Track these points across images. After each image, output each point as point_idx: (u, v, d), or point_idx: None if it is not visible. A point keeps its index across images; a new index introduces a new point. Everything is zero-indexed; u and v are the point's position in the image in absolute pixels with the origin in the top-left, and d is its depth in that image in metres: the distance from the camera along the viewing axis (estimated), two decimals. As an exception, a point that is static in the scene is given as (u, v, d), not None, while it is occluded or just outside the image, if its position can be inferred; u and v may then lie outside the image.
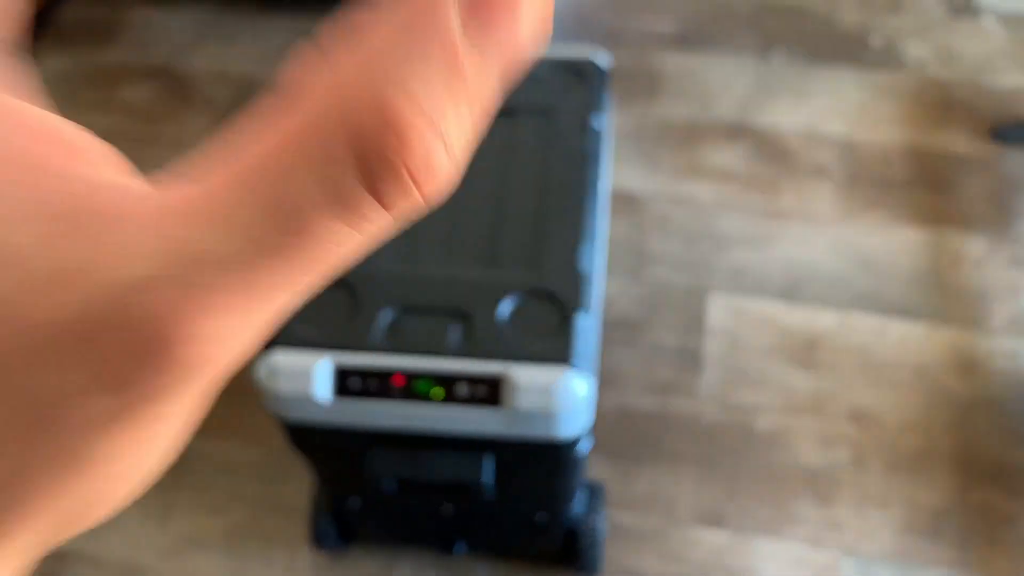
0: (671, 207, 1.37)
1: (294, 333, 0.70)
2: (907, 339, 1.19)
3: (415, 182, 0.13)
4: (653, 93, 1.54)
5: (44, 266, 0.12)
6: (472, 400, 0.68)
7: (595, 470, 1.08)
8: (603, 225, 0.82)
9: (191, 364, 0.13)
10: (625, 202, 1.38)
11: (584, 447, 0.75)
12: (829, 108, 1.49)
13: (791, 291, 1.25)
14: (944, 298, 1.23)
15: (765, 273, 1.27)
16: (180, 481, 1.10)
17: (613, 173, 1.42)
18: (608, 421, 1.13)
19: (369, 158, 0.12)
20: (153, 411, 0.13)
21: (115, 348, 0.12)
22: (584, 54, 0.91)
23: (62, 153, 0.13)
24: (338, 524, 0.97)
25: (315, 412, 0.70)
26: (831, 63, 1.56)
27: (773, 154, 1.43)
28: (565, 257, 0.74)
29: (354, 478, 0.82)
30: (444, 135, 0.13)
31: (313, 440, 0.75)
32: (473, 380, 0.68)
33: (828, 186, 1.37)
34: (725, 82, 1.55)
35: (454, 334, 0.69)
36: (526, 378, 0.67)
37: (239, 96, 1.60)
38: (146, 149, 1.52)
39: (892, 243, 1.30)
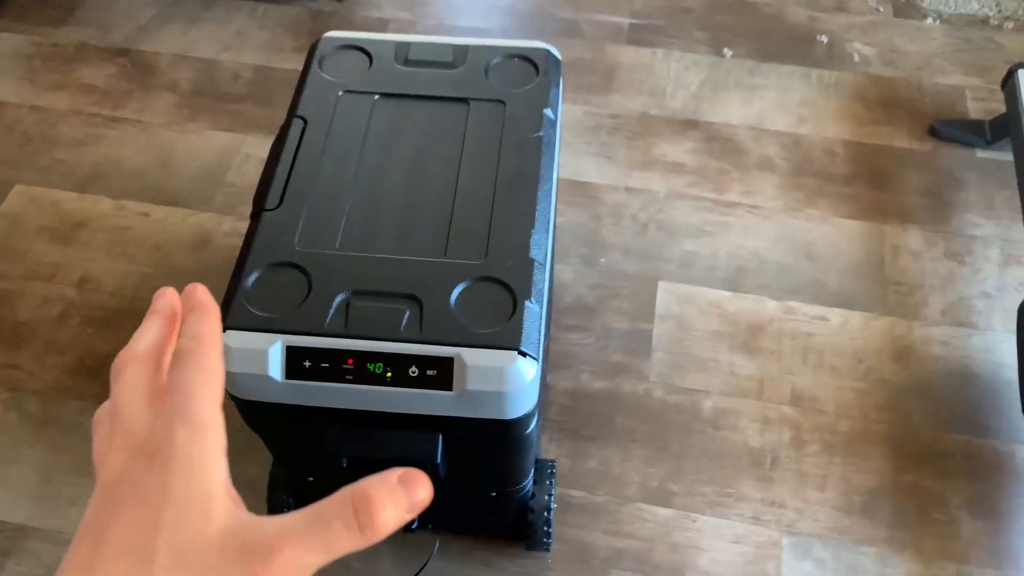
0: (625, 197, 1.37)
1: (248, 315, 0.69)
2: (846, 327, 1.21)
3: (376, 530, 0.29)
4: (609, 86, 1.54)
5: None
6: (423, 383, 0.68)
7: (548, 449, 1.09)
8: (553, 213, 0.82)
9: (283, 567, 0.27)
10: (581, 191, 1.38)
11: (531, 427, 0.75)
12: (776, 104, 1.51)
13: (736, 280, 1.26)
14: (883, 288, 1.26)
15: (712, 262, 1.29)
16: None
17: (570, 163, 1.42)
18: (562, 402, 1.14)
19: (359, 510, 0.28)
20: None
21: (257, 555, 0.27)
22: (539, 45, 0.91)
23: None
24: (295, 500, 0.96)
25: (267, 393, 0.69)
26: (779, 60, 1.58)
27: (723, 148, 1.44)
28: (516, 245, 0.74)
29: (308, 456, 0.82)
30: (386, 516, 0.29)
31: (267, 419, 0.75)
32: (424, 363, 0.67)
33: (774, 179, 1.39)
34: (678, 77, 1.55)
35: (406, 319, 0.69)
36: (476, 362, 0.67)
37: (199, 79, 1.56)
38: (108, 128, 1.48)
39: (834, 235, 1.32)
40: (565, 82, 1.55)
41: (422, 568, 0.95)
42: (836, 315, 1.22)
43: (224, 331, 0.68)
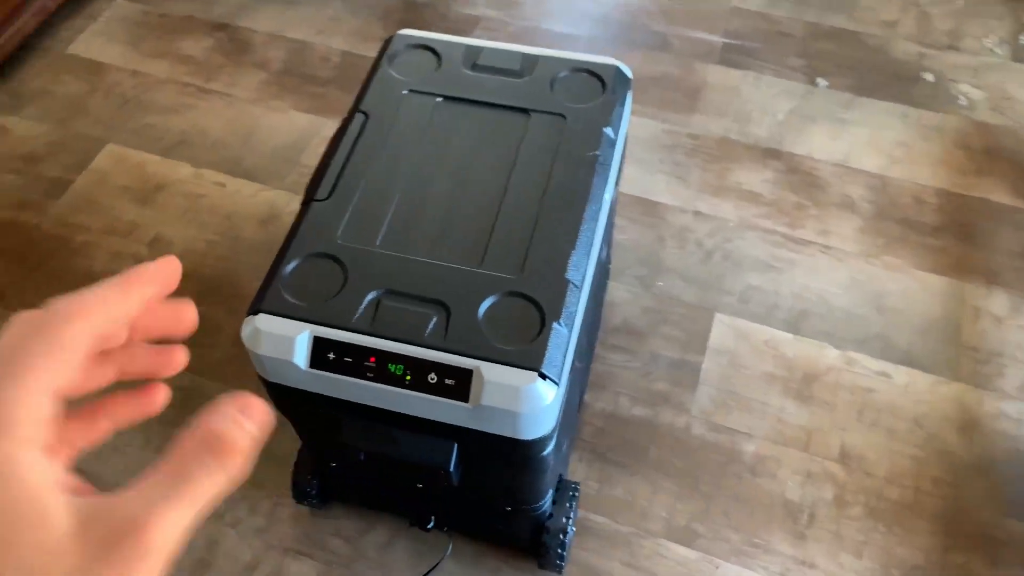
0: (693, 221, 1.34)
1: (282, 302, 0.70)
2: (911, 388, 1.15)
3: (235, 459, 0.28)
4: (692, 105, 1.51)
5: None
6: (440, 391, 0.68)
7: (576, 469, 1.08)
8: (600, 235, 0.81)
9: (157, 542, 0.25)
10: (648, 210, 1.36)
11: (547, 450, 0.74)
12: (868, 141, 1.44)
13: (798, 322, 1.22)
14: (957, 352, 1.19)
15: (775, 300, 1.24)
16: (183, 417, 1.12)
17: (641, 179, 1.40)
18: (597, 423, 1.12)
19: (215, 452, 0.28)
20: (144, 572, 0.25)
21: (124, 539, 0.25)
22: (609, 61, 0.90)
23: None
24: (319, 482, 0.98)
25: (292, 378, 0.71)
26: (877, 95, 1.51)
27: (803, 181, 1.39)
28: (554, 264, 0.73)
29: (330, 443, 0.83)
30: (240, 447, 0.28)
31: (291, 403, 0.76)
32: (443, 372, 0.67)
33: (854, 221, 1.33)
34: (766, 103, 1.51)
35: (432, 325, 0.69)
36: (494, 378, 0.66)
37: (290, 59, 1.61)
38: (198, 99, 1.54)
39: (911, 287, 1.26)
40: (646, 96, 1.53)
41: (432, 568, 0.95)
42: (901, 374, 1.17)
43: (257, 314, 0.70)
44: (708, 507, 1.05)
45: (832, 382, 1.16)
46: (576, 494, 0.95)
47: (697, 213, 1.36)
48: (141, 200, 1.39)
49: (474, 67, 0.89)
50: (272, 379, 0.72)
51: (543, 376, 0.67)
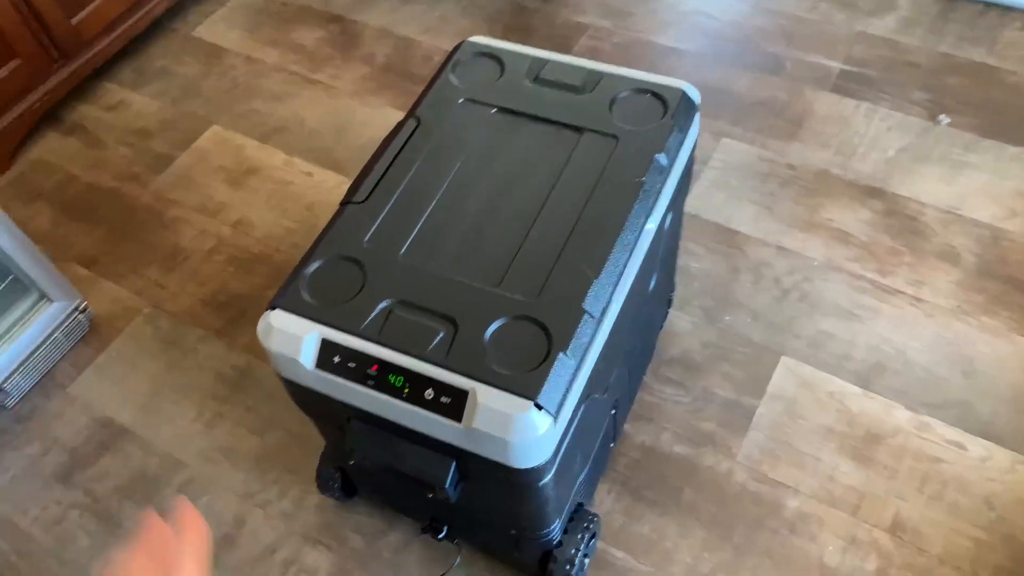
0: (774, 256, 1.29)
1: (297, 300, 0.73)
2: (986, 464, 1.06)
3: None
4: (795, 133, 1.44)
5: None
6: (436, 407, 0.68)
7: (603, 500, 1.06)
8: (637, 265, 0.79)
9: None
10: (727, 239, 1.31)
11: (544, 480, 0.73)
12: (985, 188, 1.33)
13: (870, 377, 1.14)
14: (1048, 429, 1.08)
15: (848, 351, 1.17)
16: (235, 396, 1.19)
17: (726, 207, 1.35)
18: (633, 455, 1.10)
19: None
20: None
21: None
22: (676, 84, 0.87)
23: None
24: (342, 476, 1.01)
25: (299, 376, 0.74)
26: (1005, 138, 1.39)
27: (904, 226, 1.30)
28: (572, 292, 0.72)
29: (339, 443, 0.86)
30: None
31: (303, 399, 0.79)
32: (440, 389, 0.68)
33: (953, 274, 1.24)
34: (876, 137, 1.42)
35: (438, 340, 0.70)
36: (488, 402, 0.66)
37: (393, 55, 1.66)
38: (303, 88, 1.62)
39: (1006, 353, 1.15)
40: (748, 121, 1.48)
41: (439, 579, 0.97)
42: (978, 447, 1.07)
43: (274, 309, 0.73)
44: (736, 560, 1.01)
45: (897, 445, 1.08)
46: (592, 526, 0.94)
47: (780, 248, 1.30)
48: (233, 182, 1.47)
49: (536, 79, 0.89)
50: (283, 375, 0.75)
51: (539, 407, 0.66)
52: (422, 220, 0.79)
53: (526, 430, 0.66)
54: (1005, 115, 1.43)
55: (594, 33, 1.67)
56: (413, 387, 0.69)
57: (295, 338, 0.72)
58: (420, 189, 0.81)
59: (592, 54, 1.62)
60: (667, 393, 1.15)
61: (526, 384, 0.67)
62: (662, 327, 1.21)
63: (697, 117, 0.87)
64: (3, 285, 1.14)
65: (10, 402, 1.18)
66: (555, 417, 0.67)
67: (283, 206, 1.43)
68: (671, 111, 0.84)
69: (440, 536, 0.94)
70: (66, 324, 1.22)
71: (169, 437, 1.16)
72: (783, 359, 1.18)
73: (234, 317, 1.28)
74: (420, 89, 1.58)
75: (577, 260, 0.74)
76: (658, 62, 1.59)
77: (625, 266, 0.77)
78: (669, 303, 1.21)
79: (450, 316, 0.71)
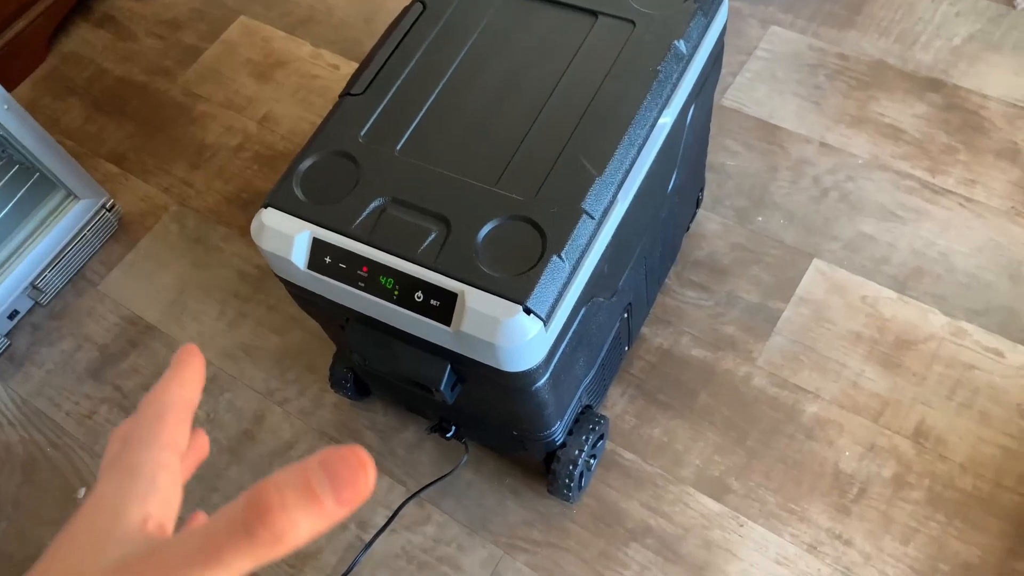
0: (816, 153, 1.22)
1: (290, 198, 0.73)
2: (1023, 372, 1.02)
3: (275, 538, 0.24)
4: (851, 20, 1.34)
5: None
6: (425, 311, 0.68)
7: (615, 402, 1.06)
8: (649, 161, 0.76)
9: None
10: (768, 135, 1.25)
11: (539, 384, 0.73)
12: (1057, 80, 1.23)
13: (908, 282, 1.10)
14: (1097, 340, 1.03)
15: (888, 253, 1.12)
16: (257, 296, 1.22)
17: (769, 100, 1.28)
18: (649, 359, 1.09)
19: (249, 523, 0.23)
20: None
21: None
22: (700, -34, 0.81)
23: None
24: (354, 375, 1.04)
25: (292, 276, 0.74)
26: (1087, 24, 1.27)
27: (963, 121, 1.22)
28: (572, 191, 0.70)
29: (339, 342, 0.87)
30: (288, 516, 0.23)
31: (301, 299, 0.80)
32: (429, 291, 0.68)
33: (1012, 173, 1.16)
34: (943, 23, 1.31)
35: (429, 240, 0.69)
36: (477, 305, 0.66)
37: None
38: None
39: (1061, 259, 1.09)
40: (800, 5, 1.38)
41: (444, 476, 0.99)
42: (1019, 353, 1.03)
43: (267, 207, 0.73)
44: (749, 464, 1.01)
45: (929, 352, 1.05)
46: (599, 427, 0.94)
47: (823, 144, 1.23)
48: (260, 75, 1.46)
49: (548, -37, 0.84)
50: (278, 274, 0.76)
51: (528, 311, 0.65)
52: (421, 113, 0.77)
53: (514, 334, 0.65)
54: (1091, -5, 1.30)
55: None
56: (403, 289, 0.69)
57: (287, 237, 0.72)
58: (422, 79, 0.79)
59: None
60: (689, 296, 1.13)
61: (516, 287, 0.66)
62: (689, 228, 1.17)
63: (726, 2, 0.81)
64: (30, 183, 1.17)
65: (44, 299, 1.23)
66: (546, 322, 0.66)
67: (309, 100, 1.41)
68: (695, -5, 0.79)
69: (448, 436, 0.97)
70: (94, 222, 1.25)
71: (194, 335, 1.20)
72: (815, 262, 1.14)
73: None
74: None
75: (580, 156, 0.71)
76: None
77: (633, 163, 0.74)
78: (698, 203, 1.17)
79: (443, 216, 0.70)
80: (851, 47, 1.32)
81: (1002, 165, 1.17)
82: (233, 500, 0.24)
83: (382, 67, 0.79)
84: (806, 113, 1.27)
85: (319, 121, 1.38)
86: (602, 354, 0.93)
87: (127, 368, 1.19)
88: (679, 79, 0.77)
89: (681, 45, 0.77)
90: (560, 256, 0.67)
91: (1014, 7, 1.32)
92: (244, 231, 1.28)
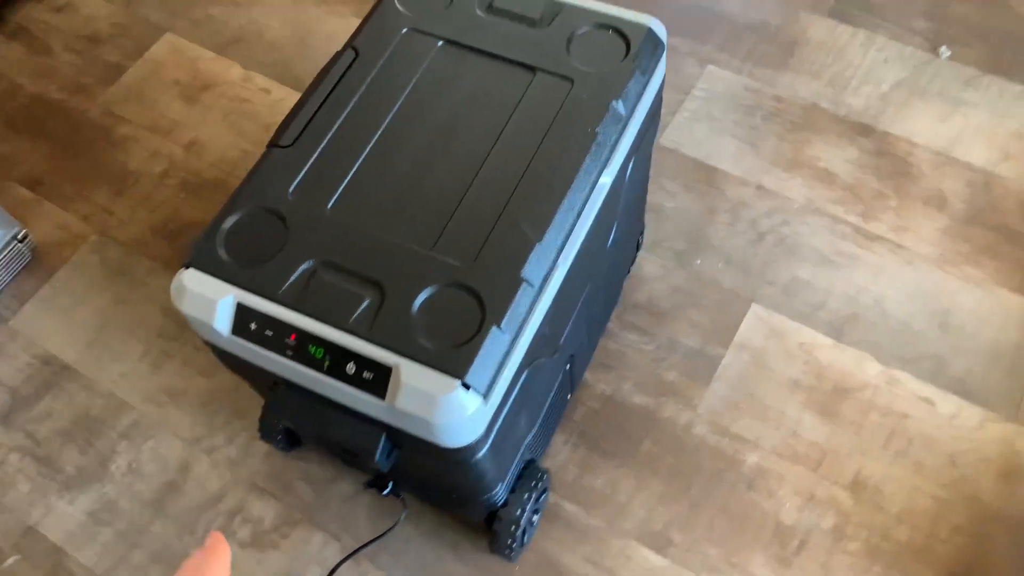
0: (753, 196, 1.21)
1: (213, 258, 0.67)
2: (954, 421, 1.02)
3: None
4: (785, 62, 1.34)
5: None
6: (358, 383, 0.63)
7: (559, 452, 1.02)
8: (588, 224, 0.72)
9: None
10: (706, 177, 1.23)
11: (478, 456, 0.68)
12: (982, 129, 1.24)
13: (844, 328, 1.09)
14: (1020, 389, 1.04)
15: (823, 299, 1.11)
16: (183, 334, 1.14)
17: (708, 141, 1.26)
18: (592, 405, 1.05)
19: None
20: None
21: None
22: (641, 20, 0.78)
23: None
24: (285, 428, 0.97)
25: (215, 340, 0.68)
26: (1008, 75, 1.29)
27: (892, 167, 1.22)
28: (512, 258, 0.65)
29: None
30: None
31: (227, 361, 0.73)
32: (362, 363, 0.62)
33: (939, 220, 1.17)
34: (871, 69, 1.32)
35: (362, 308, 0.63)
36: (413, 380, 0.61)
37: None
38: None
39: (987, 306, 1.10)
40: (737, 46, 1.37)
41: (384, 534, 0.94)
42: (948, 403, 1.03)
43: (188, 268, 0.67)
44: (691, 515, 0.98)
45: (865, 400, 1.04)
46: (541, 483, 0.90)
47: (760, 188, 1.22)
48: (187, 98, 1.37)
49: (489, 9, 0.80)
50: (200, 336, 0.69)
51: (466, 386, 0.60)
52: (354, 168, 0.71)
53: (453, 411, 0.61)
54: (1011, 49, 1.32)
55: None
56: (334, 359, 0.63)
57: (209, 301, 0.65)
58: (354, 132, 0.73)
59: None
60: (631, 340, 1.10)
61: (454, 361, 0.61)
62: (629, 271, 1.14)
63: (664, 57, 0.78)
64: (-70, 213, 1.07)
65: (-52, 334, 1.13)
66: (485, 396, 0.62)
67: (239, 126, 1.34)
68: (634, 51, 0.75)
69: (385, 492, 0.91)
70: (5, 253, 1.15)
71: (115, 376, 1.11)
72: (754, 306, 1.12)
73: (185, 247, 1.21)
74: (388, 0, 1.47)
75: (519, 221, 0.67)
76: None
77: (573, 226, 0.70)
78: (638, 245, 1.14)
79: (377, 281, 0.65)
80: (786, 89, 1.31)
81: (930, 212, 1.18)
82: None
83: (312, 117, 0.74)
84: (743, 155, 1.25)
85: (251, 148, 1.31)
86: (545, 409, 0.88)
87: (40, 413, 1.09)
88: (618, 139, 0.74)
89: (619, 106, 0.73)
90: (499, 327, 0.62)
91: (938, 56, 1.33)
92: (170, 263, 1.20)
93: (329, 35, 1.43)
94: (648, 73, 0.76)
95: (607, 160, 0.73)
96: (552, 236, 0.67)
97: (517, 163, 0.70)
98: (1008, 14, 1.37)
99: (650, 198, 1.20)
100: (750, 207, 1.20)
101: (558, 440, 1.03)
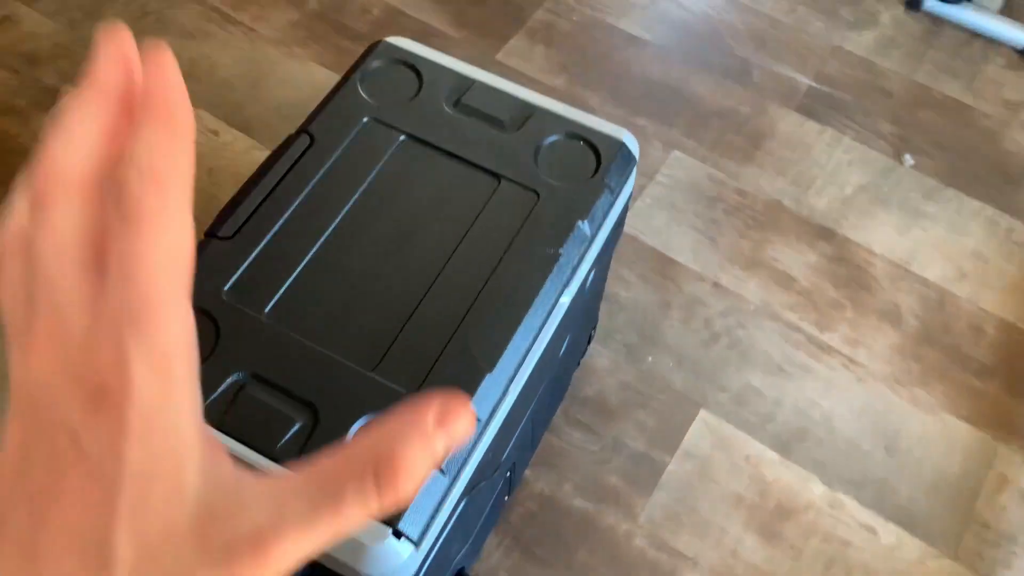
0: (709, 294, 1.21)
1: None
2: (895, 553, 1.02)
3: (398, 493, 0.23)
4: (751, 154, 1.35)
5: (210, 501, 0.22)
6: (279, 515, 0.59)
7: (489, 555, 0.99)
8: (543, 345, 0.70)
9: (277, 565, 0.22)
10: (662, 269, 1.23)
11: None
12: (939, 244, 1.27)
13: (791, 443, 1.09)
14: (964, 523, 1.05)
15: (773, 410, 1.11)
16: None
17: (667, 231, 1.26)
18: (530, 506, 1.02)
19: (380, 478, 0.23)
20: None
21: (245, 554, 0.22)
22: (613, 133, 0.76)
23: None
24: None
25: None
26: (967, 190, 1.33)
27: (850, 275, 1.23)
28: (458, 387, 0.62)
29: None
30: (414, 474, 0.23)
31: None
32: (286, 496, 0.58)
33: (892, 336, 1.18)
34: (836, 171, 1.34)
35: (292, 433, 0.60)
36: (340, 520, 0.57)
37: (329, 2, 1.49)
38: (221, 28, 1.45)
39: (933, 432, 1.11)
40: (704, 133, 1.38)
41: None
42: (890, 533, 1.03)
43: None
44: (622, 637, 0.95)
45: (808, 523, 1.03)
46: (468, 599, 0.87)
47: (716, 285, 1.22)
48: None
49: (457, 105, 0.77)
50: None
51: (398, 534, 0.57)
52: (298, 269, 0.67)
53: (383, 561, 0.57)
54: (971, 162, 1.36)
55: (553, 6, 1.53)
56: (255, 488, 0.59)
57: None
58: (301, 228, 0.70)
59: (545, 30, 1.48)
60: (575, 438, 1.08)
61: (388, 502, 0.57)
62: (579, 364, 1.12)
63: (634, 172, 0.77)
64: None
65: None
66: (418, 543, 0.58)
67: (180, 169, 1.28)
68: (604, 167, 0.74)
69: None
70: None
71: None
72: (703, 412, 1.11)
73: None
74: (350, 46, 1.44)
75: (471, 346, 0.64)
76: (617, 50, 1.47)
77: (527, 352, 0.67)
78: (590, 338, 1.12)
79: (311, 402, 0.61)
80: (749, 183, 1.32)
81: (884, 328, 1.19)
82: (344, 444, 0.24)
83: (257, 208, 0.70)
84: (702, 249, 1.25)
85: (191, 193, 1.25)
86: (480, 523, 0.85)
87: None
88: (581, 259, 0.72)
89: (585, 226, 0.71)
90: (440, 470, 0.59)
91: (902, 163, 1.36)
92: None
93: (284, 79, 1.39)
94: (616, 192, 0.74)
95: (568, 280, 0.71)
96: (505, 364, 0.64)
97: (473, 280, 0.67)
98: (972, 126, 1.41)
99: (607, 286, 1.19)
100: (706, 305, 1.20)
101: (491, 542, 1.00)
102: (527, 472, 1.05)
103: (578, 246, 0.71)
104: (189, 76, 1.38)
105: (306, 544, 0.22)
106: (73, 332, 0.22)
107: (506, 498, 0.99)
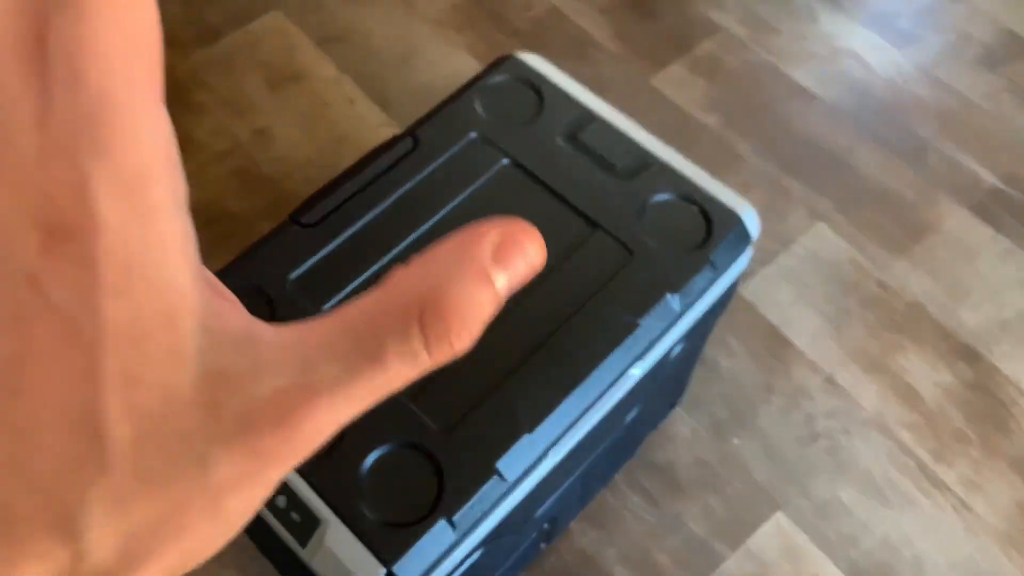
0: (819, 388, 1.13)
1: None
2: None
3: (452, 345, 0.20)
4: (904, 247, 1.25)
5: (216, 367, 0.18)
6: (283, 520, 0.59)
7: (509, 604, 0.96)
8: (592, 422, 0.66)
9: (306, 440, 0.19)
10: (774, 347, 1.15)
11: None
12: (1103, 400, 1.13)
13: (869, 574, 1.00)
14: None
15: (858, 534, 1.02)
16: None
17: (791, 306, 1.18)
18: (567, 559, 0.99)
19: (427, 326, 0.19)
20: (274, 474, 0.19)
21: (266, 426, 0.18)
22: (735, 204, 0.72)
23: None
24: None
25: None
26: None
27: (988, 410, 1.12)
28: (491, 439, 0.60)
29: None
30: (469, 320, 0.20)
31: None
32: (293, 502, 0.58)
33: (1022, 492, 1.06)
34: (999, 286, 1.22)
35: (312, 443, 0.59)
36: (336, 546, 0.56)
37: (495, -5, 1.50)
38: (381, -1, 1.48)
39: (1040, 611, 0.99)
40: (857, 211, 1.28)
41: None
42: None
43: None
44: None
45: (864, 671, 0.95)
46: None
47: (830, 381, 1.13)
48: (272, 84, 1.37)
49: (572, 138, 0.74)
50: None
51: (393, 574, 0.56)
52: (366, 274, 0.67)
53: (368, 602, 0.56)
54: None
55: (723, 40, 1.47)
56: (263, 489, 0.59)
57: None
58: (381, 232, 0.69)
59: (709, 63, 1.43)
60: (633, 502, 1.03)
61: (387, 542, 0.56)
62: (657, 426, 1.08)
63: (748, 253, 0.72)
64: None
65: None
66: (412, 595, 0.57)
67: (313, 128, 1.32)
68: (713, 240, 0.69)
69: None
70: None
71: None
72: (779, 514, 1.04)
73: (218, 238, 1.20)
74: (504, 40, 1.44)
75: (514, 401, 0.62)
76: (781, 101, 1.39)
77: (578, 420, 0.64)
78: (673, 404, 1.07)
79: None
80: (896, 278, 1.22)
81: (1013, 478, 1.07)
82: (382, 284, 0.21)
83: (346, 200, 0.70)
84: (824, 337, 1.17)
85: (315, 156, 1.29)
86: (505, 566, 0.83)
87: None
88: (662, 335, 0.68)
89: (675, 301, 0.67)
90: (450, 520, 0.57)
91: (1085, 293, 1.22)
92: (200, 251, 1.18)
93: (433, 61, 1.41)
94: (720, 270, 0.70)
95: (643, 353, 0.67)
96: (548, 428, 0.62)
97: (537, 330, 0.65)
98: None
99: (707, 349, 1.14)
100: (812, 399, 1.12)
101: (512, 591, 0.97)
102: (573, 524, 1.01)
103: (661, 320, 0.67)
104: (341, 40, 1.42)
105: (341, 412, 0.19)
106: (21, 153, 0.16)
107: (543, 545, 0.96)
